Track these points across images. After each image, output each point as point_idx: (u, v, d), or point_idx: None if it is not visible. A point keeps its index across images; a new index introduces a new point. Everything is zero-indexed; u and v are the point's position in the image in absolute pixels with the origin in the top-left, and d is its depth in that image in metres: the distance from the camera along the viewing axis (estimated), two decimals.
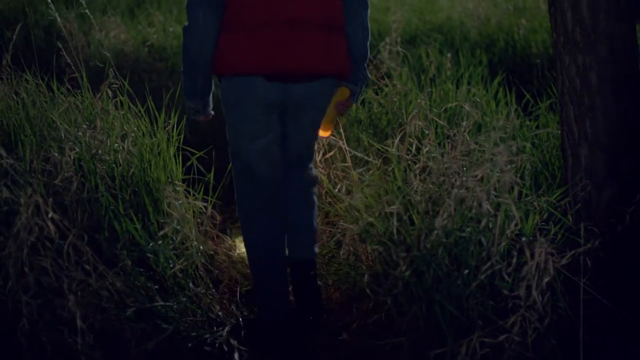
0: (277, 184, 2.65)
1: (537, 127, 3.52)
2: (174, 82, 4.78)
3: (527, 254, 2.10)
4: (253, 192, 2.61)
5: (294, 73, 2.50)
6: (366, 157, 2.56)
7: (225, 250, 3.16)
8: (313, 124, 2.70)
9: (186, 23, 2.46)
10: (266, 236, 2.60)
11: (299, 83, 2.52)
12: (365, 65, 2.71)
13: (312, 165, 2.81)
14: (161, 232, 2.46)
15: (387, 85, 3.88)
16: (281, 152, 2.67)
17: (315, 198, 2.78)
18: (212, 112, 2.66)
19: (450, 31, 5.76)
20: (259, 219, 2.60)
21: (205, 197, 3.06)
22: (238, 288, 2.90)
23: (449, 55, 4.31)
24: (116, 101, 3.11)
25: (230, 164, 2.68)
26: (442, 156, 2.52)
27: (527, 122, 3.53)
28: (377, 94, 3.88)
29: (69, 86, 3.23)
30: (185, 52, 2.50)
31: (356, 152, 2.57)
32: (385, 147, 2.73)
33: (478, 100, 3.56)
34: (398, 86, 3.71)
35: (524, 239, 2.16)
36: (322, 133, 2.84)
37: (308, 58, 2.50)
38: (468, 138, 2.70)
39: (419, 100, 3.09)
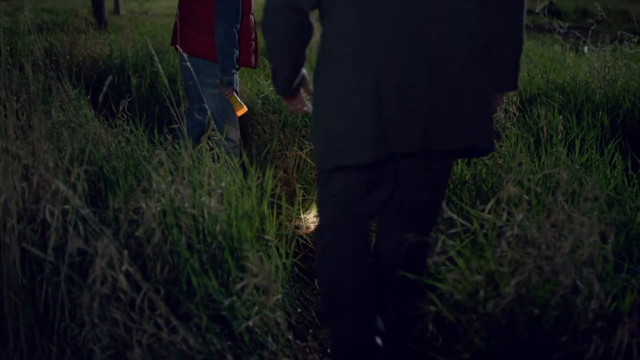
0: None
1: None
2: (286, 135, 4.80)
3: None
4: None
5: (185, 51, 3.99)
6: (462, 222, 2.45)
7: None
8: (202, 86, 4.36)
9: None
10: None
11: (190, 57, 4.22)
12: (229, 61, 4.20)
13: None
14: (238, 286, 2.42)
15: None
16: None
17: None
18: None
19: (574, 91, 5.56)
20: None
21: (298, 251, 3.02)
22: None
23: (560, 117, 4.14)
24: (213, 154, 3.13)
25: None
26: (536, 225, 2.40)
27: None
28: None
29: (167, 136, 3.29)
30: None
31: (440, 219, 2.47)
32: (478, 213, 2.61)
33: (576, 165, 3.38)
34: (503, 148, 3.58)
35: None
36: (237, 113, 4.41)
37: (187, 45, 4.33)
38: (567, 207, 2.56)
39: (511, 165, 2.97)
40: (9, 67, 5.18)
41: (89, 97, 4.61)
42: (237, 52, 4.24)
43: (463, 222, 2.50)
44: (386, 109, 2.25)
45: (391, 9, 2.22)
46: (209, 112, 4.35)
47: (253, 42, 4.49)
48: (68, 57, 7.17)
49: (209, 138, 3.21)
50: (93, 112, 4.23)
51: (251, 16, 4.42)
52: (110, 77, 2.45)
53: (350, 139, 2.29)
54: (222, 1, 4.11)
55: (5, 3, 10.48)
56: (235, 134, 4.50)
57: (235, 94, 4.35)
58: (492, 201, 2.44)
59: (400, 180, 2.50)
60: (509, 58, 2.45)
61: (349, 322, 2.46)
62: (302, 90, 2.65)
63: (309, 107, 2.63)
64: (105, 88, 2.42)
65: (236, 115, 4.46)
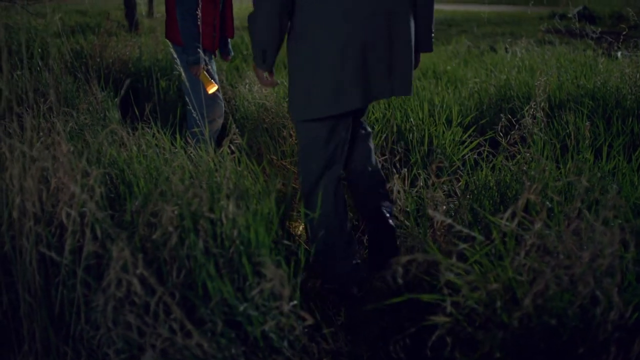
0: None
1: None
2: None
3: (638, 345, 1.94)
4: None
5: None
6: (471, 233, 2.42)
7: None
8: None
9: None
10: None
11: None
12: (188, 43, 4.51)
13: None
14: (253, 292, 2.41)
15: (519, 152, 3.72)
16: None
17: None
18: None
19: (604, 97, 5.48)
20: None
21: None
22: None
23: (587, 123, 4.08)
24: (234, 158, 3.12)
25: None
26: (555, 233, 2.36)
27: None
28: (508, 159, 3.72)
29: (189, 140, 3.29)
30: None
31: (461, 227, 2.44)
32: (498, 221, 2.58)
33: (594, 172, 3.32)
34: (528, 154, 3.54)
35: None
36: (208, 90, 4.67)
37: (165, 31, 4.92)
38: (588, 215, 2.52)
39: (534, 172, 2.93)
40: (39, 69, 5.23)
41: (117, 99, 4.64)
42: (195, 31, 4.54)
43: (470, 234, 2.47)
44: (367, 66, 3.04)
45: None
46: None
47: (213, 28, 4.85)
48: (98, 60, 7.22)
49: (231, 142, 3.21)
50: (119, 114, 4.24)
51: (217, 5, 4.82)
52: (128, 81, 2.45)
53: (345, 91, 3.05)
54: None
55: (39, 5, 10.58)
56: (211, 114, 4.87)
57: (205, 72, 4.69)
58: (511, 209, 2.41)
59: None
60: (426, 25, 3.29)
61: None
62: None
63: (277, 82, 3.38)
64: (123, 91, 2.43)
65: (207, 93, 4.77)
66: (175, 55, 4.07)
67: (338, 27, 2.97)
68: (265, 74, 3.27)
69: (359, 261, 3.29)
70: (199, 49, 4.57)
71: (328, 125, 3.19)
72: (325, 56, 3.01)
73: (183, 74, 3.67)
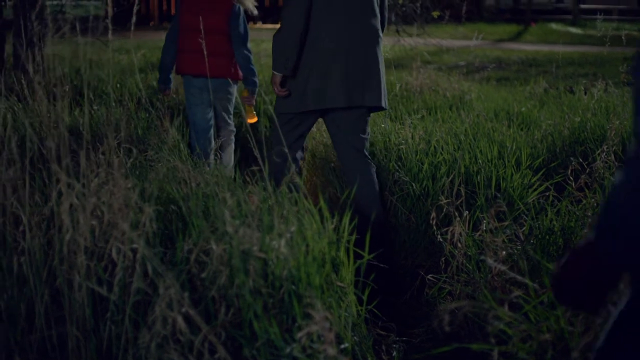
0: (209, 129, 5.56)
1: None
2: None
3: None
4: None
5: (204, 74, 5.12)
6: (524, 280, 2.36)
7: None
8: (221, 100, 5.55)
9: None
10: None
11: (211, 79, 5.14)
12: (253, 77, 5.47)
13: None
14: (299, 334, 2.39)
15: (585, 197, 3.63)
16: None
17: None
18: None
19: None
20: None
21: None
22: None
23: None
24: (291, 197, 3.12)
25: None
26: None
27: None
28: (574, 204, 3.64)
29: (247, 178, 3.30)
30: None
31: (515, 275, 2.38)
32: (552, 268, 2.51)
33: None
34: (593, 200, 3.45)
35: None
36: (249, 120, 5.51)
37: (210, 68, 4.95)
38: None
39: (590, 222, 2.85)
40: (114, 104, 5.35)
41: (176, 133, 4.70)
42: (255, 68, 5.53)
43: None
44: (349, 80, 4.30)
45: (343, 20, 4.30)
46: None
47: None
48: (174, 96, 7.37)
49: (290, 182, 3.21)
50: (187, 150, 4.30)
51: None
52: (180, 117, 2.48)
53: (333, 92, 4.29)
54: (239, 34, 5.49)
55: (123, 40, 10.87)
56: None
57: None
58: (565, 256, 2.34)
59: (339, 123, 4.49)
60: None
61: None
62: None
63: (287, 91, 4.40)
64: (174, 126, 2.46)
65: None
66: (230, 90, 5.34)
67: (329, 51, 4.26)
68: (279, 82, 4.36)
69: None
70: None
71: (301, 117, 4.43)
72: (319, 68, 4.26)
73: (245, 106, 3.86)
